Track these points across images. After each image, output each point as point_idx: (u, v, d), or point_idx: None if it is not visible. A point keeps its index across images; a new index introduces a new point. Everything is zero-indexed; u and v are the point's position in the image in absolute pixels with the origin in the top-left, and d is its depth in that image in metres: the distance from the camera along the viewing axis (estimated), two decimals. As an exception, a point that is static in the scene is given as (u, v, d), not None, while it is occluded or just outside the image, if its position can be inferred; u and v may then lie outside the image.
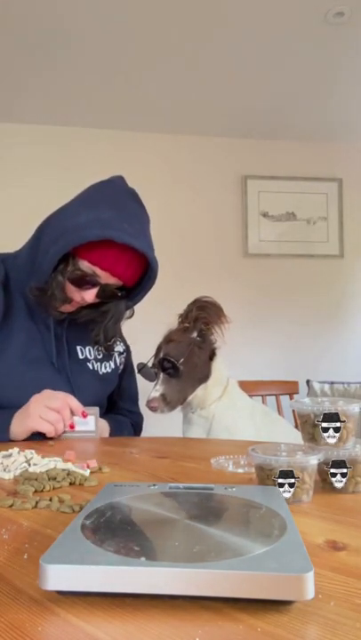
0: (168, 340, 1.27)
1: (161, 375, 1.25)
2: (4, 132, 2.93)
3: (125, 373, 1.31)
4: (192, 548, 0.38)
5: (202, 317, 1.27)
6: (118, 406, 1.31)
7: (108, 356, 1.24)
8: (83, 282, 1.07)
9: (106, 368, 1.23)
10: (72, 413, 1.01)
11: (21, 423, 0.98)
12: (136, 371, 1.31)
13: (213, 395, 1.30)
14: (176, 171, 3.13)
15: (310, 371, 2.95)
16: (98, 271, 1.05)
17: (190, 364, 1.26)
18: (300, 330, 3.19)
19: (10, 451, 0.80)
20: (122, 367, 1.29)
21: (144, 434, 1.34)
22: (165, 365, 1.24)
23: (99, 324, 1.17)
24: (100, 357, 1.22)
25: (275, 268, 3.21)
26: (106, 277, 1.07)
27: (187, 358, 1.25)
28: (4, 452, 0.80)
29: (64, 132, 2.98)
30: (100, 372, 1.21)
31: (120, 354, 1.27)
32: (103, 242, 1.02)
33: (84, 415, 1.02)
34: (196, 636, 0.31)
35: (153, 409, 1.22)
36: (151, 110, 2.87)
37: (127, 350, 1.32)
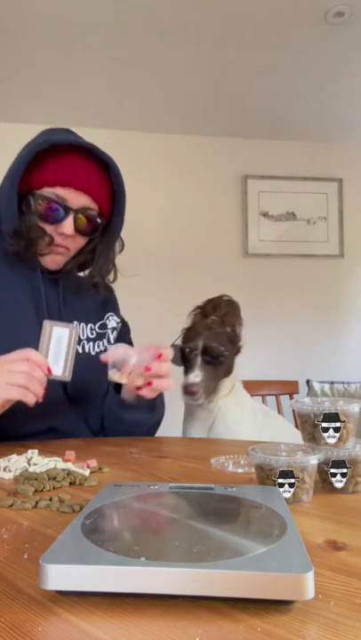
0: (208, 327, 1.26)
1: (199, 361, 1.23)
2: (3, 132, 2.93)
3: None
4: (192, 548, 0.38)
5: (230, 313, 1.28)
6: None
7: (101, 334, 1.15)
8: (51, 211, 1.01)
9: (99, 347, 1.13)
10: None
11: None
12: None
13: (224, 390, 1.30)
14: (176, 170, 3.13)
15: (310, 370, 2.95)
16: (60, 191, 1.00)
17: (226, 357, 1.26)
18: (300, 330, 3.19)
19: (10, 456, 0.80)
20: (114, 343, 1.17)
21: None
22: (211, 352, 1.22)
23: (90, 265, 1.12)
24: (92, 337, 1.13)
25: (275, 268, 3.21)
26: (72, 197, 1.00)
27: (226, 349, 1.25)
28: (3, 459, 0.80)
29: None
30: (92, 353, 1.11)
31: (113, 329, 1.18)
32: (52, 159, 0.99)
33: (49, 371, 0.88)
34: (196, 636, 0.31)
35: (193, 393, 1.19)
36: (151, 110, 2.87)
37: (122, 324, 1.22)
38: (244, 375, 1.44)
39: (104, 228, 1.10)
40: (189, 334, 1.28)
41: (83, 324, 1.12)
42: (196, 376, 1.20)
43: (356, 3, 2.06)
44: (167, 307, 2.60)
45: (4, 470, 0.73)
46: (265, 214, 3.21)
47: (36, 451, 0.81)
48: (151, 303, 2.90)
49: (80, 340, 1.09)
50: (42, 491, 0.64)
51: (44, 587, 0.35)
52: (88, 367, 1.04)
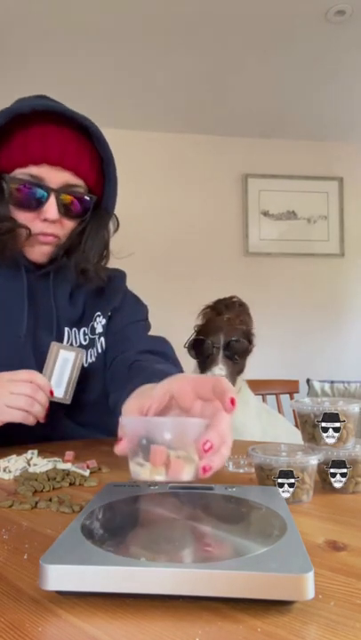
0: (229, 323, 1.25)
1: (220, 356, 1.22)
2: None
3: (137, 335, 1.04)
4: (192, 549, 0.39)
5: (244, 313, 1.28)
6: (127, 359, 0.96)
7: (92, 340, 1.02)
8: (27, 195, 0.86)
9: (91, 357, 1.01)
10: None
11: None
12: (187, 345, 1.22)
13: (235, 389, 1.31)
14: (177, 169, 3.13)
15: (310, 370, 2.95)
16: (34, 170, 0.86)
17: (245, 353, 1.26)
18: (300, 329, 3.19)
19: (9, 457, 0.80)
20: (104, 348, 1.04)
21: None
22: (234, 347, 1.21)
23: (77, 250, 0.95)
24: (85, 343, 1.01)
25: (275, 267, 3.21)
26: (49, 174, 0.86)
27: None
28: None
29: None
30: (85, 364, 0.99)
31: (100, 335, 1.03)
32: (17, 133, 0.85)
33: (52, 394, 0.86)
34: (196, 637, 0.31)
35: None
36: (151, 109, 2.87)
37: (127, 309, 1.08)
38: (244, 374, 1.44)
39: (95, 205, 0.95)
40: (208, 329, 1.27)
41: (75, 329, 0.99)
42: (221, 369, 1.19)
43: (357, 1, 2.06)
44: (167, 305, 2.60)
45: (4, 471, 0.73)
46: (265, 213, 3.21)
47: (35, 451, 0.81)
48: (151, 302, 2.89)
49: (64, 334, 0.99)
50: (41, 491, 0.64)
51: (43, 587, 0.35)
52: (83, 381, 0.95)
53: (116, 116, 2.89)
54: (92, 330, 1.02)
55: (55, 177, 0.87)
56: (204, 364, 1.25)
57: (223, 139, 3.19)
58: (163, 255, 3.00)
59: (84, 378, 0.97)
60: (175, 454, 0.45)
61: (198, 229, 3.12)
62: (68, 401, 0.89)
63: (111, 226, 1.00)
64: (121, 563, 0.35)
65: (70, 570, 0.35)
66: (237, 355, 1.23)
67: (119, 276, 1.10)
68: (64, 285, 0.99)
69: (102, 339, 1.03)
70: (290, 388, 2.34)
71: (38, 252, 0.93)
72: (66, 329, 0.98)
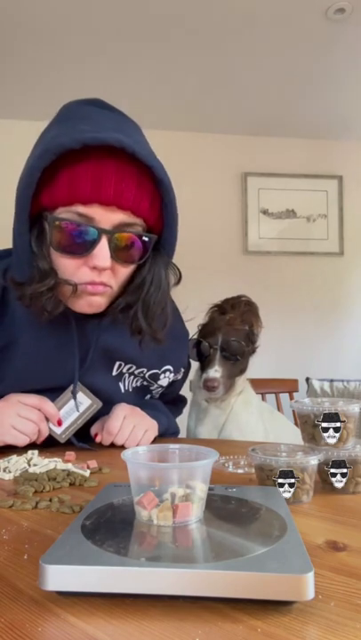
0: (228, 323, 1.26)
1: (218, 356, 1.23)
2: (3, 129, 2.92)
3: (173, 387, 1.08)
4: (192, 549, 0.39)
5: (249, 313, 1.27)
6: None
7: (146, 383, 0.97)
8: (72, 238, 0.72)
9: (137, 383, 0.97)
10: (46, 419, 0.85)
11: None
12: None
13: (237, 389, 1.30)
14: (175, 168, 3.11)
15: (310, 368, 2.95)
16: (82, 210, 0.71)
17: (244, 354, 1.26)
18: (299, 327, 3.19)
19: (10, 456, 0.80)
20: (157, 394, 1.05)
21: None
22: (230, 348, 1.22)
23: (135, 305, 0.81)
24: (137, 380, 0.97)
25: (274, 266, 3.21)
26: (101, 215, 0.71)
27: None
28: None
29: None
30: (130, 389, 0.97)
31: (160, 387, 1.01)
32: (64, 167, 0.70)
33: (60, 423, 0.86)
34: (196, 636, 0.31)
35: (212, 388, 1.19)
36: (150, 107, 2.86)
37: (186, 372, 1.10)
38: (247, 374, 1.44)
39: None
40: (208, 329, 1.27)
41: (133, 366, 0.92)
42: (216, 371, 1.20)
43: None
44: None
45: (4, 471, 0.73)
46: (265, 212, 3.21)
47: (36, 451, 0.81)
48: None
49: (122, 375, 0.94)
50: (42, 491, 0.64)
51: (43, 587, 0.35)
52: (116, 399, 0.93)
53: (116, 114, 2.89)
54: (154, 376, 0.97)
55: (108, 218, 0.72)
56: (203, 365, 1.25)
57: (222, 137, 3.18)
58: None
59: (125, 400, 0.94)
60: (182, 492, 0.44)
61: (197, 228, 3.11)
62: (62, 440, 0.89)
63: (172, 277, 0.86)
64: (121, 563, 0.35)
65: (70, 570, 0.35)
66: (236, 355, 1.23)
67: (182, 330, 1.06)
68: (114, 333, 0.88)
69: (159, 389, 1.02)
70: (289, 386, 2.33)
71: (85, 304, 0.79)
72: (117, 362, 0.92)
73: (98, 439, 0.89)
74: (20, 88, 2.64)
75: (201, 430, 1.29)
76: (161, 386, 1.01)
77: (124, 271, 0.78)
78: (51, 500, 0.59)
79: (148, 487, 0.44)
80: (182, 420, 1.39)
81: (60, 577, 0.35)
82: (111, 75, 2.54)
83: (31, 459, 0.77)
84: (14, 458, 0.77)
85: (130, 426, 0.89)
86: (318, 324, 3.22)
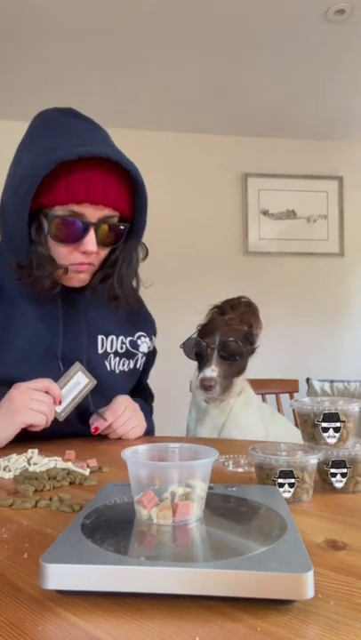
0: (226, 324, 1.26)
1: (215, 356, 1.23)
2: (2, 129, 2.93)
3: (144, 373, 1.20)
4: (192, 548, 0.39)
5: (248, 313, 1.27)
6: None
7: (130, 353, 1.10)
8: (68, 230, 0.92)
9: (123, 366, 1.10)
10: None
11: (10, 421, 0.87)
12: (183, 344, 1.26)
13: (236, 390, 1.30)
14: (176, 169, 3.13)
15: (310, 369, 2.95)
16: (76, 208, 0.90)
17: (242, 354, 1.26)
18: (300, 328, 3.19)
19: (9, 456, 0.80)
20: (141, 369, 1.16)
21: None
22: (228, 348, 1.22)
23: (111, 276, 1.02)
24: (122, 351, 1.09)
25: (275, 267, 3.21)
26: (90, 212, 0.91)
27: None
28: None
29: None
30: (117, 371, 1.08)
31: (144, 355, 1.14)
32: (60, 174, 0.88)
33: (59, 403, 0.94)
34: (196, 636, 0.31)
35: (209, 388, 1.19)
36: (150, 108, 2.86)
37: (153, 352, 1.20)
38: (246, 374, 1.44)
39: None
40: (206, 329, 1.28)
41: (113, 336, 1.07)
42: (213, 370, 1.20)
43: (357, 1, 2.05)
44: (167, 304, 2.60)
45: (4, 470, 0.73)
46: (265, 212, 3.21)
47: (36, 450, 0.81)
48: (150, 300, 2.89)
49: (107, 354, 1.07)
50: (42, 490, 0.64)
51: (44, 586, 0.35)
52: (110, 385, 1.05)
53: (116, 115, 2.89)
54: (134, 344, 1.12)
55: (95, 214, 0.92)
56: (200, 365, 1.25)
57: (223, 138, 3.18)
58: (162, 254, 2.99)
59: (112, 382, 1.07)
60: (182, 491, 0.44)
61: (197, 228, 3.11)
62: (61, 419, 0.95)
63: (140, 253, 1.06)
64: (121, 562, 0.35)
65: (70, 569, 0.35)
66: (234, 355, 1.23)
67: (140, 300, 1.20)
68: (94, 303, 1.05)
69: (144, 359, 1.14)
70: (289, 387, 2.33)
71: (75, 280, 0.99)
72: (100, 337, 1.06)
73: (96, 429, 0.99)
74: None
75: (201, 431, 1.29)
76: (143, 353, 1.13)
77: (104, 252, 0.99)
78: (51, 499, 0.59)
79: (147, 486, 0.45)
80: (182, 420, 1.39)
81: (60, 576, 0.35)
82: (111, 75, 2.54)
83: (31, 457, 0.77)
84: (14, 457, 0.77)
85: (127, 415, 1.01)
86: (319, 325, 3.22)
